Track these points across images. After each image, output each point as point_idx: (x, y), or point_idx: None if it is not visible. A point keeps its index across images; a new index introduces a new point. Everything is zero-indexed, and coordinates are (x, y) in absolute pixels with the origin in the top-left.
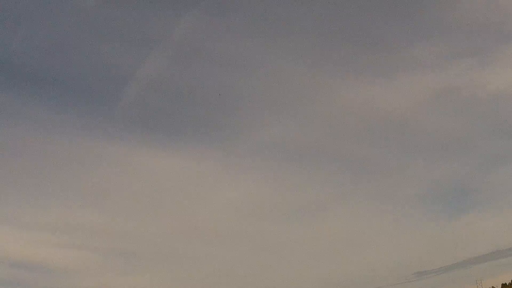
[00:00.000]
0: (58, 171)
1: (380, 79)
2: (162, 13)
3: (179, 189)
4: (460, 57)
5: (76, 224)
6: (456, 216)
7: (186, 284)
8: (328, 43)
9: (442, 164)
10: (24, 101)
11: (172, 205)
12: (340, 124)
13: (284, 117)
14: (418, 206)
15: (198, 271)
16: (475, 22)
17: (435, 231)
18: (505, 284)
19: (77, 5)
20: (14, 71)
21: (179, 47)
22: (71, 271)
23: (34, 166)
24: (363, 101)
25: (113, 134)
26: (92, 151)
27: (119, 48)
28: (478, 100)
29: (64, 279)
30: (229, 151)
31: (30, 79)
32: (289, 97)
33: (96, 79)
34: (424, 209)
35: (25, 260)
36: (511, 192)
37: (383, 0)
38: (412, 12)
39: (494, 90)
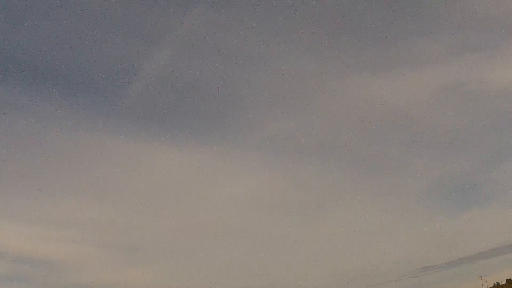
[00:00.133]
0: (60, 166)
1: (384, 74)
2: (167, 8)
3: (182, 184)
4: (465, 53)
5: (79, 219)
6: (461, 211)
7: (189, 278)
8: (333, 38)
9: (446, 160)
10: (28, 95)
11: (175, 200)
12: (344, 119)
13: (287, 113)
14: (423, 201)
15: (201, 266)
16: (480, 17)
17: (440, 227)
18: (510, 279)
19: None
20: (19, 65)
21: (184, 42)
22: (73, 266)
23: (37, 160)
24: (367, 97)
25: (117, 129)
26: (94, 146)
27: (123, 43)
28: (483, 95)
29: (66, 274)
30: (234, 146)
31: (34, 73)
32: (292, 93)
33: (100, 74)
34: (429, 204)
35: (27, 255)
36: None
37: None
38: (417, 7)
39: (499, 85)
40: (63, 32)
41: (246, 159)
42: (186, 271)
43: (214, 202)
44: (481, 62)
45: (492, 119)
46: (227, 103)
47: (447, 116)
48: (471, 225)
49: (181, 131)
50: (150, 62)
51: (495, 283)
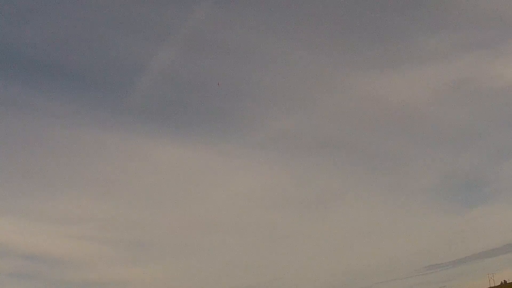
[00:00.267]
0: (65, 164)
1: (391, 71)
2: (174, 5)
3: (186, 181)
4: (469, 50)
5: (83, 216)
6: (468, 209)
7: (192, 275)
8: (336, 37)
9: (453, 157)
10: (36, 92)
11: (179, 197)
12: (347, 117)
13: (290, 111)
14: (429, 198)
15: (207, 262)
16: (483, 14)
17: (447, 224)
18: None
19: None
20: (27, 62)
21: (191, 38)
22: (80, 262)
23: (42, 158)
24: (370, 95)
25: (121, 127)
26: (99, 143)
27: (129, 41)
28: (487, 93)
29: (73, 270)
30: (237, 144)
31: (42, 70)
32: (295, 91)
33: (105, 72)
34: (436, 202)
35: (35, 252)
36: None
37: None
38: (420, 5)
39: (503, 83)
40: (69, 30)
41: (249, 157)
42: (189, 268)
43: (217, 199)
44: (484, 59)
45: (496, 117)
46: (231, 101)
47: (451, 113)
48: (477, 223)
49: (185, 129)
50: (154, 60)
51: (503, 281)
